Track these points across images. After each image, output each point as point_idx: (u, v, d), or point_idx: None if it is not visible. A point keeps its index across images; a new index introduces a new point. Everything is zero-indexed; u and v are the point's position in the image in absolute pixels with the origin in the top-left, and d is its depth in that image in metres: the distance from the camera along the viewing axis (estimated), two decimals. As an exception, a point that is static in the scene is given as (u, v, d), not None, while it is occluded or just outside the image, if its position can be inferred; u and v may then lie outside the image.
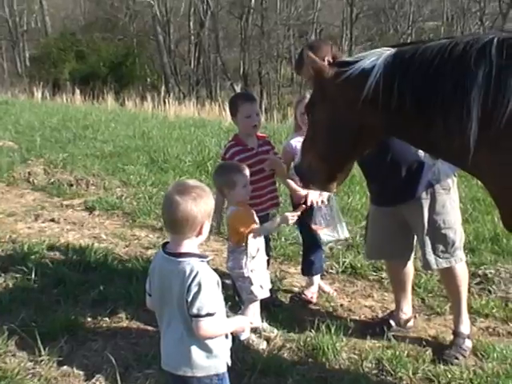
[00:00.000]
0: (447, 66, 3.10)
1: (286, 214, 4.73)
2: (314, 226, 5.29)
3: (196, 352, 3.11)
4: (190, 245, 3.13)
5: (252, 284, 4.68)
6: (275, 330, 4.92)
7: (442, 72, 3.12)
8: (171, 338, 3.15)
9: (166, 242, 3.25)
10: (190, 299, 3.00)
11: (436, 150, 3.48)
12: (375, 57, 3.41)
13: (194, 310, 3.00)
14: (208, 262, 3.18)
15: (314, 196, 5.13)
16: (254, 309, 4.80)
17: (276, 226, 4.96)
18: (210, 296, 3.02)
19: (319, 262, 5.65)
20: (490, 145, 3.04)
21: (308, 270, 5.67)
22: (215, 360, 3.16)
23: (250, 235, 4.59)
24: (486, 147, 3.05)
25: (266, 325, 4.96)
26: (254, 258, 4.67)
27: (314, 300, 5.58)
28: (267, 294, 4.83)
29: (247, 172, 4.67)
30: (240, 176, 4.60)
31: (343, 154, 3.75)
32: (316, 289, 5.67)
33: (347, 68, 3.50)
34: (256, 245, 4.69)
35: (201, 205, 3.06)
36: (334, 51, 4.73)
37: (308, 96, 5.13)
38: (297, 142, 5.27)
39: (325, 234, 5.30)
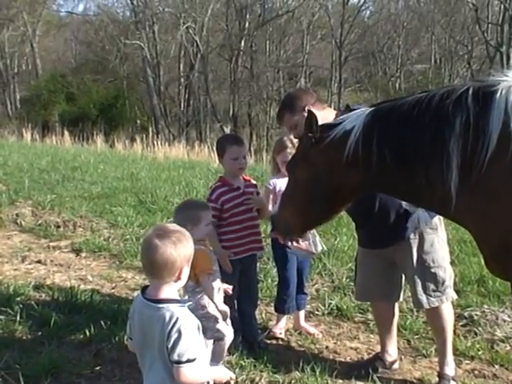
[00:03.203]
0: (425, 117, 3.16)
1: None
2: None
3: None
4: (169, 290, 3.11)
5: (218, 322, 4.56)
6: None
7: (420, 124, 3.18)
8: (153, 381, 3.13)
9: (146, 286, 3.24)
10: (170, 345, 2.98)
11: (419, 200, 3.54)
12: (355, 117, 3.49)
13: (175, 357, 2.98)
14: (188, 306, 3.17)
15: None
16: (224, 347, 4.69)
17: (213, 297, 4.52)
18: (190, 342, 3.00)
19: (291, 301, 5.71)
20: (470, 190, 3.08)
21: (280, 308, 5.79)
22: (197, 403, 3.14)
23: (205, 278, 4.46)
24: (467, 193, 3.09)
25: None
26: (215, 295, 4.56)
27: (283, 335, 5.70)
28: (232, 331, 4.72)
29: (210, 211, 4.70)
30: (205, 213, 4.58)
31: (322, 213, 3.88)
32: (283, 324, 5.82)
33: (330, 132, 3.58)
34: (216, 285, 4.55)
35: (180, 249, 3.06)
36: (314, 100, 4.76)
37: (286, 140, 5.27)
38: (276, 183, 5.49)
39: (301, 249, 5.25)
